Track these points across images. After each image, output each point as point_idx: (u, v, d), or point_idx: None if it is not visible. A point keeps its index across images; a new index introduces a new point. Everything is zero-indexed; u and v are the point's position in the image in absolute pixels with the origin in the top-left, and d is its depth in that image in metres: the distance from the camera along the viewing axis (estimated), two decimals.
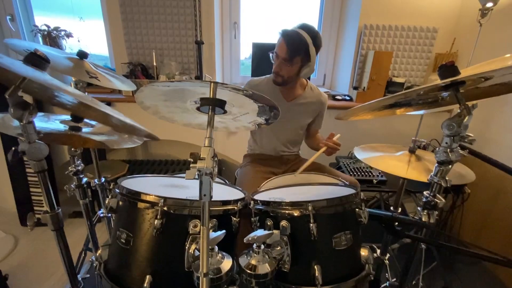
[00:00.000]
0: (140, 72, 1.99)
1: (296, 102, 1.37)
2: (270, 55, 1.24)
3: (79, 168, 1.04)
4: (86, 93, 0.95)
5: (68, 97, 0.68)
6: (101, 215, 1.39)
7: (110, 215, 1.20)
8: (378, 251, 0.84)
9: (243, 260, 0.68)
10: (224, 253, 0.67)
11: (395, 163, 1.07)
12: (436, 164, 0.72)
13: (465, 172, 1.10)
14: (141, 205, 0.70)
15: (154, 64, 2.01)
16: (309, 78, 2.00)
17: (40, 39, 1.92)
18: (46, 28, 1.90)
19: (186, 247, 0.66)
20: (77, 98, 0.62)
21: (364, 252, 0.77)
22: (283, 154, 1.49)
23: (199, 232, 0.66)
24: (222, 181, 1.04)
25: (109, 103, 1.92)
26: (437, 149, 0.70)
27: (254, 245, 0.68)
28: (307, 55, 1.17)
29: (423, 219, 0.76)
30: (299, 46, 1.14)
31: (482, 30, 1.49)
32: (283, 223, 0.72)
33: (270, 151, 1.47)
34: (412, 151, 1.13)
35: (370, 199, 2.21)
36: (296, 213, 0.73)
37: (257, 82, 1.40)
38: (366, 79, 1.98)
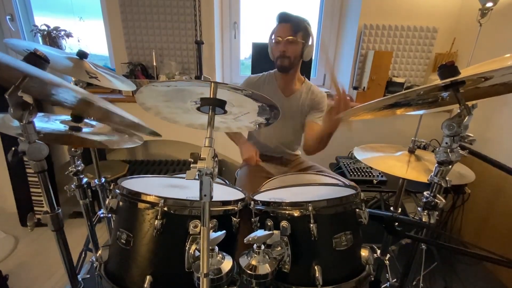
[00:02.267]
0: (140, 72, 1.99)
1: (294, 97, 1.37)
2: (270, 40, 1.30)
3: (79, 168, 1.04)
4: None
5: (72, 94, 0.68)
6: (101, 215, 1.39)
7: (110, 215, 1.20)
8: (379, 251, 0.84)
9: (243, 261, 0.68)
10: (224, 254, 0.67)
11: (394, 163, 1.07)
12: (436, 164, 0.72)
13: (465, 172, 1.10)
14: (141, 205, 0.70)
15: (154, 64, 2.00)
16: (309, 78, 1.99)
17: (40, 39, 1.92)
18: (46, 28, 1.90)
19: (187, 248, 0.66)
20: (83, 96, 0.61)
21: (364, 252, 0.77)
22: (283, 155, 1.49)
23: (200, 232, 0.66)
24: (222, 182, 1.04)
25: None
26: (437, 149, 0.70)
27: (255, 246, 0.68)
28: (306, 32, 1.25)
29: (423, 220, 0.76)
30: (299, 22, 1.25)
31: (482, 30, 1.49)
32: (283, 223, 0.72)
33: (270, 152, 1.47)
34: (411, 151, 1.13)
35: (370, 199, 2.22)
36: (296, 214, 0.72)
37: (256, 79, 1.41)
38: (366, 79, 1.97)
